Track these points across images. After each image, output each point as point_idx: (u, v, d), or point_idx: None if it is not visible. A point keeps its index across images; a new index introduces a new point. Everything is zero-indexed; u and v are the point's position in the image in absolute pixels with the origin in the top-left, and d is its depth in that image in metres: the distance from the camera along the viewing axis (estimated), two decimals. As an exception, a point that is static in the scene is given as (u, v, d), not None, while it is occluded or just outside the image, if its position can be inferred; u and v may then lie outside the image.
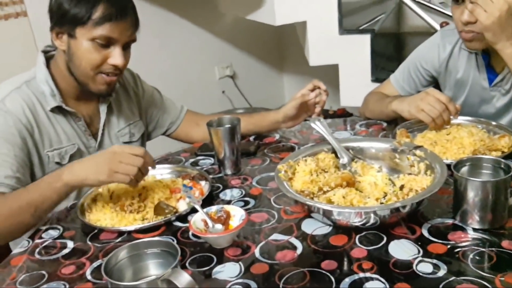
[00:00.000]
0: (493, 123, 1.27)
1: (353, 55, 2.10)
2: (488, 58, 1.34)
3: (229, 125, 1.22)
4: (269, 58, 3.54)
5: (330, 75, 2.32)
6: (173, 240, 0.96)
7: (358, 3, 2.84)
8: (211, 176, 1.20)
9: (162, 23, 2.89)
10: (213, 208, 0.97)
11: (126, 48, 1.19)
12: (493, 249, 0.83)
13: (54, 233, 1.05)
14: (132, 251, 0.75)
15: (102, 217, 1.06)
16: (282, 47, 3.57)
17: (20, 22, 2.29)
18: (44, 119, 1.20)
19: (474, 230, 0.89)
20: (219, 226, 0.94)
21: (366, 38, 2.04)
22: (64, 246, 1.00)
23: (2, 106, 1.15)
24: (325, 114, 3.12)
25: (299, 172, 1.04)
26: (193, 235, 0.97)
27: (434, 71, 1.45)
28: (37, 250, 1.00)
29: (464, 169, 0.93)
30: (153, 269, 0.76)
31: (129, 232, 1.01)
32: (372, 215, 0.89)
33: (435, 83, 1.50)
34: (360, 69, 2.10)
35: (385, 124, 1.45)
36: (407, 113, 1.29)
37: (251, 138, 1.45)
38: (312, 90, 1.32)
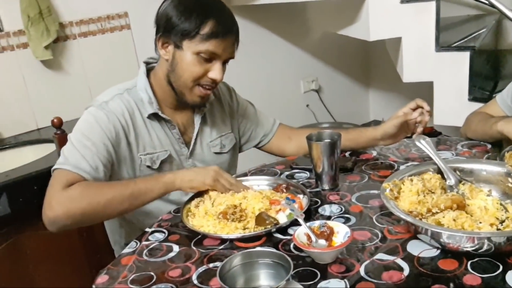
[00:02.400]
0: None
1: (450, 73, 2.02)
2: None
3: (330, 140, 1.22)
4: (355, 73, 3.51)
5: (420, 92, 2.25)
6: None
7: (452, 19, 2.74)
8: (308, 190, 1.21)
9: (250, 37, 2.95)
10: (316, 223, 0.98)
11: (224, 63, 1.24)
12: None
13: (160, 236, 1.11)
14: (245, 259, 0.77)
15: (205, 223, 1.09)
16: (369, 62, 3.52)
17: (124, 35, 2.44)
18: (141, 124, 1.27)
19: None
20: (322, 242, 0.94)
21: (465, 56, 1.96)
22: (170, 249, 1.04)
23: (105, 106, 1.23)
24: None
25: (405, 191, 1.02)
26: (295, 248, 0.97)
27: None
28: (145, 251, 1.05)
29: None
30: (264, 279, 0.78)
31: (231, 240, 1.04)
32: (486, 241, 0.85)
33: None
34: (456, 87, 2.02)
35: (489, 146, 1.38)
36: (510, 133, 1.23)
37: (347, 154, 1.44)
38: (415, 109, 1.29)
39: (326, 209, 1.13)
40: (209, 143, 1.40)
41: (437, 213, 0.94)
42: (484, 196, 1.02)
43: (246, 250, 0.80)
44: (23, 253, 1.71)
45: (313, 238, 0.94)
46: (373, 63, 3.48)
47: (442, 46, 2.02)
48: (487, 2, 2.18)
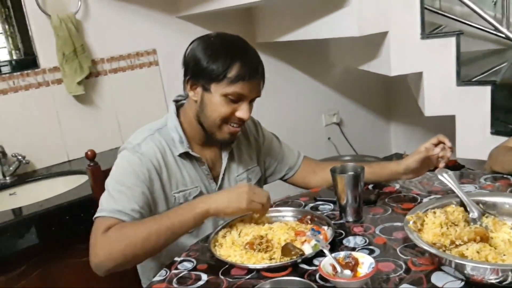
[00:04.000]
0: None
1: (472, 107, 2.05)
2: None
3: (353, 173, 1.25)
4: (377, 107, 3.55)
5: (441, 125, 2.28)
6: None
7: (474, 53, 2.78)
8: (332, 222, 1.23)
9: (273, 72, 3.03)
10: (341, 254, 1.00)
11: (251, 102, 1.30)
12: None
13: (188, 265, 1.14)
14: (274, 286, 0.80)
15: (232, 253, 1.13)
16: (391, 96, 3.56)
17: (152, 71, 2.54)
18: (172, 163, 1.32)
19: None
20: (347, 272, 0.96)
21: (487, 90, 1.99)
22: (198, 278, 1.08)
23: (138, 149, 1.28)
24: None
25: (428, 224, 1.04)
26: (321, 278, 1.00)
27: None
28: (174, 280, 1.08)
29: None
30: (292, 307, 0.80)
31: (258, 270, 1.06)
32: (510, 273, 0.86)
33: None
34: (479, 121, 2.04)
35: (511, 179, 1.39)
36: None
37: (370, 187, 1.46)
38: (436, 145, 1.32)
39: (350, 241, 1.16)
40: (236, 177, 1.44)
41: (460, 245, 0.95)
42: (508, 229, 1.04)
43: (275, 279, 0.83)
44: (53, 283, 1.76)
45: (339, 268, 0.97)
46: (395, 97, 3.52)
47: (463, 80, 2.06)
48: (504, 35, 2.22)
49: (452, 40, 2.02)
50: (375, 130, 3.59)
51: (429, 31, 2.15)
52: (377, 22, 2.04)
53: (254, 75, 1.24)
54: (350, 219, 1.26)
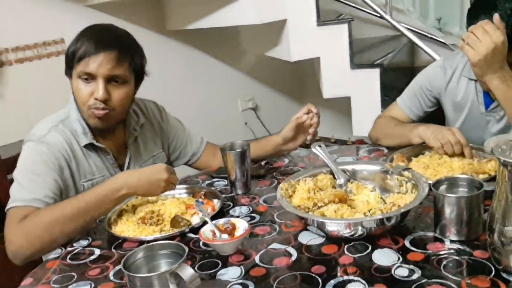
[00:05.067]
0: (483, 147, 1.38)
1: (364, 88, 2.23)
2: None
3: (240, 150, 1.36)
4: (289, 91, 3.71)
5: (344, 106, 2.46)
6: (185, 248, 1.09)
7: (373, 40, 2.99)
8: (223, 195, 1.34)
9: (188, 59, 3.11)
10: (221, 221, 1.11)
11: (110, 82, 1.29)
12: (465, 257, 0.93)
13: (84, 242, 1.20)
14: (147, 252, 0.89)
15: (126, 229, 1.21)
16: (302, 80, 3.73)
17: (61, 60, 2.50)
18: (79, 153, 1.35)
19: (452, 241, 0.99)
20: (225, 236, 1.07)
21: (376, 72, 2.18)
22: (91, 253, 1.14)
23: (44, 139, 1.30)
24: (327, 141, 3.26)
25: (299, 190, 1.17)
26: (204, 244, 1.10)
27: (437, 92, 1.56)
28: (69, 256, 1.15)
29: (443, 187, 1.04)
30: (165, 267, 0.90)
31: (149, 242, 1.14)
32: (359, 227, 1.01)
33: (438, 105, 1.60)
34: (371, 101, 2.23)
35: (386, 151, 1.56)
36: (427, 139, 1.37)
37: (263, 163, 1.58)
38: (308, 114, 1.45)
39: (236, 210, 1.27)
40: (142, 165, 1.47)
41: (321, 206, 1.09)
42: (368, 191, 1.19)
43: (147, 244, 0.92)
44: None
45: (217, 233, 1.07)
46: (305, 81, 3.70)
47: (356, 64, 2.23)
48: (397, 26, 2.42)
49: (345, 26, 2.19)
50: (289, 113, 3.72)
51: (334, 17, 2.30)
52: (276, 10, 2.17)
53: (99, 50, 1.24)
54: (239, 192, 1.37)
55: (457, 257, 0.94)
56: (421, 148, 1.42)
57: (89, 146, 1.37)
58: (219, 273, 0.99)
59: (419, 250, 0.97)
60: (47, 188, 1.25)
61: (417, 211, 1.13)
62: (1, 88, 2.34)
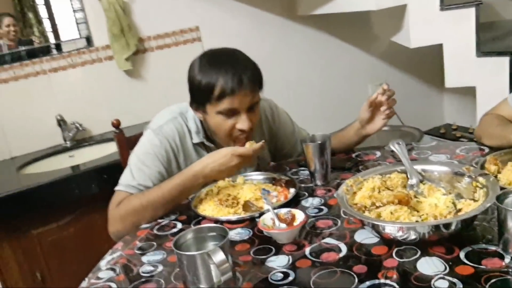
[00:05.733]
0: None
1: (491, 78, 2.04)
2: None
3: (319, 142, 1.39)
4: (427, 77, 3.50)
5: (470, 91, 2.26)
6: (250, 232, 1.18)
7: (500, 24, 2.67)
8: (303, 185, 1.39)
9: (319, 44, 3.14)
10: (283, 210, 1.17)
11: (250, 110, 1.38)
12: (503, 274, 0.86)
13: (172, 216, 1.37)
14: (197, 233, 1.00)
15: (208, 208, 1.34)
16: (438, 65, 3.48)
17: (195, 46, 2.76)
18: (189, 147, 1.49)
19: (513, 259, 0.92)
20: (283, 225, 1.13)
21: (505, 61, 1.97)
22: (174, 226, 1.30)
23: (159, 131, 1.46)
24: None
25: (364, 187, 1.17)
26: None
27: None
28: (157, 227, 1.32)
29: (509, 200, 0.95)
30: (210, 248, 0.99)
31: (222, 222, 1.26)
32: (412, 231, 0.98)
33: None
34: (498, 92, 2.02)
35: (486, 150, 1.44)
36: None
37: (354, 155, 1.58)
38: (383, 94, 1.41)
39: (308, 201, 1.31)
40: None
41: (379, 207, 1.08)
42: (439, 195, 1.13)
43: (197, 226, 1.03)
44: (97, 231, 2.08)
45: (276, 222, 1.14)
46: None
47: (482, 51, 2.04)
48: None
49: (472, 10, 2.02)
50: (426, 100, 3.55)
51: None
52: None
53: (238, 88, 1.32)
54: (318, 183, 1.40)
55: (502, 277, 0.87)
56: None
57: (200, 144, 1.50)
58: (269, 259, 1.06)
59: (471, 264, 0.92)
60: (150, 179, 1.41)
61: (490, 221, 1.05)
62: (144, 72, 2.66)
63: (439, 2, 2.05)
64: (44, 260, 2.08)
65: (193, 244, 0.99)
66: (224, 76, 1.32)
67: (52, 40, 2.52)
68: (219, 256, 0.89)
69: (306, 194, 1.36)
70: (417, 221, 1.01)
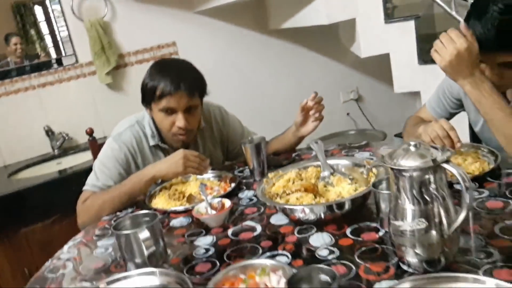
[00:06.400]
0: (483, 148, 1.40)
1: (434, 83, 2.23)
2: None
3: (255, 143, 1.60)
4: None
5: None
6: (190, 219, 1.40)
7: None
8: (244, 181, 1.61)
9: (291, 56, 3.36)
10: (215, 200, 1.38)
11: (189, 111, 1.61)
12: (382, 246, 1.06)
13: (129, 210, 1.58)
14: (133, 219, 1.21)
15: (159, 202, 1.56)
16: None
17: (172, 60, 3.00)
18: (147, 150, 1.72)
19: (386, 232, 1.12)
20: (213, 212, 1.34)
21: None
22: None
23: (118, 138, 1.69)
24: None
25: (282, 179, 1.38)
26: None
27: (457, 94, 1.59)
28: (114, 219, 1.53)
29: (383, 185, 1.15)
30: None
31: (168, 213, 1.48)
32: (310, 211, 1.19)
33: (463, 107, 1.62)
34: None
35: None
36: (420, 135, 1.48)
37: (294, 154, 1.80)
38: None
39: (244, 193, 1.52)
40: None
41: (289, 194, 1.29)
42: (345, 184, 1.34)
43: (134, 213, 1.24)
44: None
45: (209, 210, 1.35)
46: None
47: (424, 60, 2.25)
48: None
49: (411, 23, 2.23)
50: (398, 105, 3.74)
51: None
52: (344, 10, 2.31)
53: (174, 90, 1.56)
54: (257, 178, 1.62)
55: (372, 246, 1.07)
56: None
57: (156, 146, 1.73)
58: (198, 239, 1.27)
59: (352, 237, 1.13)
60: (112, 179, 1.64)
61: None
62: (124, 85, 2.90)
63: (384, 15, 2.27)
64: (32, 256, 2.30)
65: (130, 228, 1.20)
66: (165, 79, 1.58)
67: (53, 55, 2.77)
68: (144, 234, 1.10)
69: (245, 188, 1.57)
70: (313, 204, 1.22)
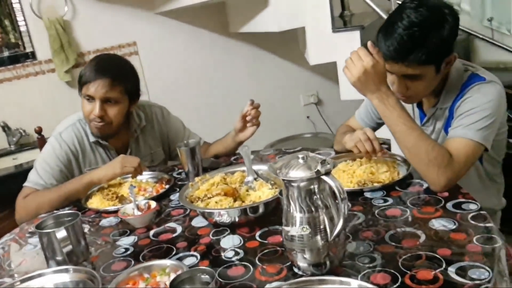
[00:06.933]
0: (398, 157, 1.50)
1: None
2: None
3: (189, 147, 1.67)
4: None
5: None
6: (119, 219, 1.46)
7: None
8: (179, 183, 1.68)
9: (251, 59, 3.43)
10: (142, 202, 1.45)
11: (106, 102, 1.68)
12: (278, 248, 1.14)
13: (67, 208, 1.64)
14: (56, 218, 1.27)
15: (95, 201, 1.62)
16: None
17: (133, 60, 3.04)
18: (88, 148, 1.79)
19: (291, 236, 1.20)
20: (139, 213, 1.41)
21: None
22: (64, 216, 1.58)
23: (59, 137, 1.76)
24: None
25: (207, 183, 1.45)
26: (129, 217, 1.45)
27: None
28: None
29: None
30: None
31: (100, 212, 1.54)
32: (224, 215, 1.27)
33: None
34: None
35: (332, 154, 1.73)
36: (345, 143, 1.56)
37: (233, 158, 1.87)
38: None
39: (176, 195, 1.59)
40: (141, 159, 1.84)
41: (210, 198, 1.36)
42: (266, 189, 1.42)
43: (57, 213, 1.30)
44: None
45: (135, 211, 1.42)
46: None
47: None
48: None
49: (357, 33, 2.32)
50: (352, 107, 3.84)
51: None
52: (294, 19, 2.38)
53: (93, 78, 1.66)
54: (192, 181, 1.68)
55: (274, 249, 1.15)
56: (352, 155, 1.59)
57: (97, 143, 1.79)
58: (120, 239, 1.34)
59: (259, 239, 1.21)
60: (53, 177, 1.71)
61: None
62: (84, 83, 2.93)
63: (331, 25, 2.35)
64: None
65: (52, 227, 1.26)
66: (90, 68, 1.69)
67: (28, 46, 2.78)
68: (62, 233, 1.17)
69: (178, 190, 1.64)
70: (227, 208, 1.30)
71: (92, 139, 1.78)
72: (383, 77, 1.34)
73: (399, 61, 1.35)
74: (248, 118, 1.77)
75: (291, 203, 1.01)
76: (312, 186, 0.98)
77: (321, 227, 0.99)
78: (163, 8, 3.00)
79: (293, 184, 0.99)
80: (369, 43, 1.33)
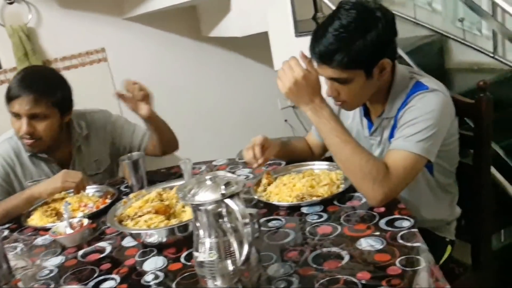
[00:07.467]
0: (340, 171, 1.45)
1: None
2: (366, 108, 1.50)
3: (132, 159, 1.62)
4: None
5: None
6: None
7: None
8: (124, 197, 1.63)
9: (226, 63, 3.38)
10: (75, 220, 1.41)
11: (34, 118, 1.63)
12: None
13: (7, 225, 1.59)
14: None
15: (35, 218, 1.57)
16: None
17: (102, 66, 3.00)
18: (27, 160, 1.75)
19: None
20: (71, 231, 1.36)
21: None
22: (2, 233, 1.53)
23: None
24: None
25: (141, 200, 1.40)
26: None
27: None
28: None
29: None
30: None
31: (38, 230, 1.49)
32: (150, 235, 1.22)
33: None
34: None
35: (283, 165, 1.67)
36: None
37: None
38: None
39: (120, 209, 1.54)
40: (85, 168, 1.83)
41: (141, 216, 1.31)
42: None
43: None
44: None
45: (68, 229, 1.37)
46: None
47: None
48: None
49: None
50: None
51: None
52: (256, 24, 2.33)
53: (16, 95, 1.62)
54: (136, 194, 1.64)
55: (193, 272, 1.09)
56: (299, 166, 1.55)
57: (35, 156, 1.75)
58: (50, 259, 1.29)
59: (183, 261, 1.16)
60: None
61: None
62: (51, 91, 2.89)
63: (294, 29, 2.30)
64: None
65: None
66: (14, 84, 1.64)
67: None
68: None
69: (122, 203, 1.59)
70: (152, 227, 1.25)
71: (29, 152, 1.74)
72: (316, 88, 1.29)
73: (325, 64, 1.31)
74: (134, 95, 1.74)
75: (200, 227, 0.96)
76: (220, 209, 0.94)
77: (231, 250, 0.95)
78: (132, 13, 2.95)
79: (200, 208, 0.94)
80: (300, 53, 1.28)
